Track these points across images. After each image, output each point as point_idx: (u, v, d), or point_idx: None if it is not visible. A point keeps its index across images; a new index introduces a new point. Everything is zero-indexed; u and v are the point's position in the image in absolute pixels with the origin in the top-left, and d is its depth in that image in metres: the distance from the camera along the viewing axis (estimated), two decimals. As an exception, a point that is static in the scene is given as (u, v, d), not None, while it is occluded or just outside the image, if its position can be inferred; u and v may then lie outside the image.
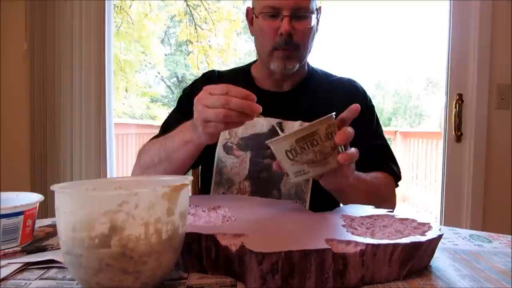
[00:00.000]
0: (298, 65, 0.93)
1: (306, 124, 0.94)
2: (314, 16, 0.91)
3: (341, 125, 0.64)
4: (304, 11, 0.89)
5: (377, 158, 0.94)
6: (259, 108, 0.64)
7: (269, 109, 0.96)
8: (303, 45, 0.91)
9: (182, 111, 1.03)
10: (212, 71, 1.07)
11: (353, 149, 0.64)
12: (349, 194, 0.79)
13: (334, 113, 0.63)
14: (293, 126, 0.94)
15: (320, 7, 0.96)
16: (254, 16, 0.94)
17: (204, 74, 1.07)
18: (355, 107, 0.67)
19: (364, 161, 0.82)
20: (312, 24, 0.91)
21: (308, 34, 0.91)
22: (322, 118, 0.59)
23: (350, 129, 0.63)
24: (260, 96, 0.98)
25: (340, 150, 0.62)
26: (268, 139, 0.92)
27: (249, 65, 1.07)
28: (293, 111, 0.96)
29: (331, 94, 0.99)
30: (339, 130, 0.62)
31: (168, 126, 1.02)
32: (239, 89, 0.65)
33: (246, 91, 0.65)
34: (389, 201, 0.93)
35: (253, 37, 0.98)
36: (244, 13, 1.02)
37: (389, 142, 1.04)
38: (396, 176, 0.96)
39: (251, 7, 0.97)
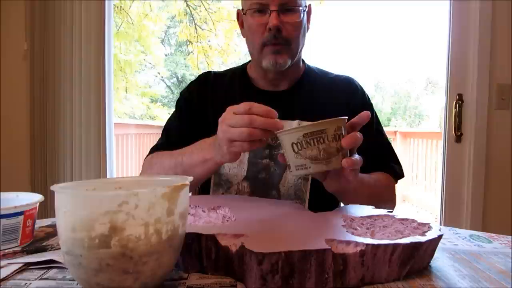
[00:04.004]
0: (290, 61, 0.92)
1: (305, 123, 0.95)
2: (302, 10, 0.91)
3: (350, 130, 0.65)
4: (292, 5, 0.89)
5: (378, 158, 0.94)
6: (282, 125, 0.64)
7: None
8: (294, 40, 0.91)
9: (181, 115, 1.03)
10: (208, 72, 1.07)
11: (357, 156, 0.65)
12: (351, 197, 0.80)
13: (346, 117, 0.64)
14: (291, 125, 0.94)
15: (310, 5, 0.96)
16: (243, 15, 0.94)
17: (200, 76, 1.07)
18: (366, 114, 0.67)
19: (365, 160, 0.83)
20: (301, 18, 0.90)
21: (297, 28, 0.91)
22: (333, 118, 0.60)
23: (359, 135, 0.63)
24: (257, 95, 0.99)
25: (347, 154, 0.63)
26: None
27: (245, 65, 1.06)
28: (290, 110, 0.96)
29: (329, 93, 0.99)
30: (348, 134, 0.63)
31: (170, 133, 1.02)
32: (261, 106, 0.66)
33: (268, 108, 0.66)
34: (390, 202, 0.93)
35: (245, 39, 0.98)
36: (236, 16, 1.02)
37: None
38: (397, 175, 0.96)
39: (241, 8, 0.97)
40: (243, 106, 0.66)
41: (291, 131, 0.61)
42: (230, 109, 0.69)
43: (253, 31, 0.91)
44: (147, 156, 1.00)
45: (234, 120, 0.66)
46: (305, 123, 0.93)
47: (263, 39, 0.89)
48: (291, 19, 0.89)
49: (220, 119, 0.70)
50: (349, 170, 0.64)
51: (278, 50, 0.90)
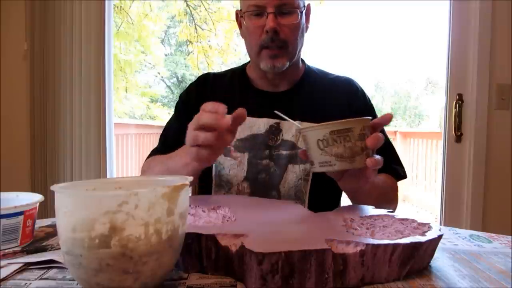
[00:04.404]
0: (288, 63, 0.92)
1: (305, 123, 0.95)
2: (300, 12, 0.90)
3: (372, 131, 0.65)
4: (290, 7, 0.88)
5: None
6: (227, 122, 0.62)
7: (266, 109, 0.96)
8: (291, 42, 0.90)
9: (180, 118, 1.03)
10: (208, 74, 1.07)
11: (378, 157, 0.65)
12: (363, 197, 0.81)
13: (371, 117, 0.65)
14: (291, 126, 0.94)
15: (309, 5, 0.96)
16: (241, 17, 0.94)
17: (199, 78, 1.07)
18: (389, 116, 0.68)
19: None
20: (298, 20, 0.90)
21: (295, 30, 0.90)
22: (359, 118, 0.62)
23: (381, 135, 0.64)
24: (257, 96, 1.00)
25: (370, 153, 0.64)
26: (265, 140, 0.93)
27: (245, 65, 1.06)
28: (290, 110, 0.95)
29: (329, 93, 0.99)
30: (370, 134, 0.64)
31: (167, 137, 1.02)
32: (210, 103, 0.65)
33: (216, 104, 0.64)
34: (393, 203, 0.94)
35: (244, 40, 0.98)
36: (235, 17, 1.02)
37: (388, 142, 1.04)
38: (400, 177, 0.97)
39: (240, 9, 0.97)
40: (201, 109, 0.66)
41: (318, 127, 0.62)
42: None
43: (251, 33, 0.91)
44: (146, 159, 1.01)
45: (191, 124, 0.66)
46: (305, 123, 0.94)
47: (261, 41, 0.89)
48: (289, 21, 0.89)
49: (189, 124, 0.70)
50: (371, 170, 0.64)
51: (276, 54, 0.90)
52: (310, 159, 0.65)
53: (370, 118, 0.64)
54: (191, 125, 0.68)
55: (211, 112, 0.64)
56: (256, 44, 0.91)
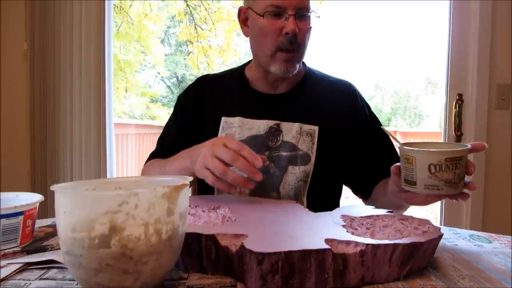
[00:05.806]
0: (298, 67, 0.93)
1: (306, 126, 0.95)
2: (313, 16, 0.91)
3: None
4: (306, 11, 0.89)
5: (389, 163, 0.94)
6: (260, 177, 0.68)
7: (265, 111, 0.96)
8: (304, 45, 0.91)
9: (177, 121, 1.03)
10: (205, 76, 1.08)
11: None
12: (404, 208, 0.85)
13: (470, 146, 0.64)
14: (292, 127, 0.94)
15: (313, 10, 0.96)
16: (255, 14, 0.90)
17: (197, 79, 1.07)
18: (483, 145, 0.66)
19: (377, 166, 0.88)
20: (311, 24, 0.91)
21: (308, 33, 0.91)
22: (467, 147, 0.63)
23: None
24: (255, 98, 0.99)
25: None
26: (265, 141, 0.93)
27: (243, 66, 1.05)
28: (290, 112, 0.95)
29: (329, 96, 0.99)
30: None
31: (165, 141, 1.04)
32: (251, 153, 0.69)
33: (256, 156, 0.69)
34: (401, 209, 0.93)
35: (248, 39, 0.97)
36: (237, 14, 0.99)
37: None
38: None
39: (245, 7, 0.95)
40: (236, 144, 0.70)
41: (432, 152, 0.62)
42: (224, 141, 0.71)
43: (267, 34, 0.89)
44: (145, 162, 1.02)
45: (219, 151, 0.69)
46: (306, 126, 0.93)
47: (278, 43, 0.88)
48: (305, 25, 0.89)
49: (212, 141, 0.73)
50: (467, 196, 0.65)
51: (291, 58, 0.90)
52: (408, 178, 0.64)
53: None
54: (213, 148, 0.70)
55: (247, 157, 0.68)
56: (271, 46, 0.89)
